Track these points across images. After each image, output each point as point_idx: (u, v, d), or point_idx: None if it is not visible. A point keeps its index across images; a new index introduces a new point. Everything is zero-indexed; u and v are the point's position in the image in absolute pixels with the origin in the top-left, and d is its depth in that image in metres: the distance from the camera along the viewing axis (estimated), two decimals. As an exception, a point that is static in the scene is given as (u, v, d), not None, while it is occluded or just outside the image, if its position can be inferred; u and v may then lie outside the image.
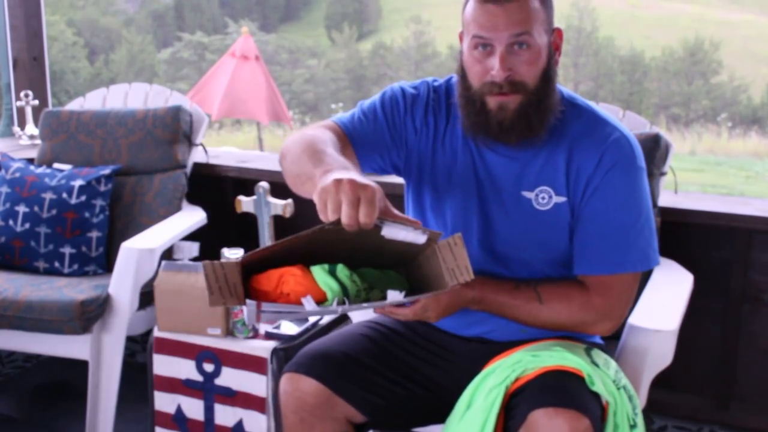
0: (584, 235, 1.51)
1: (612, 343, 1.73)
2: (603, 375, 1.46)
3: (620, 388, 1.47)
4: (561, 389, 1.38)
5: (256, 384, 2.00)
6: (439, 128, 1.60)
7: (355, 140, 1.58)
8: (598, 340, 1.68)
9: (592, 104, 1.60)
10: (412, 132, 1.61)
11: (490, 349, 1.56)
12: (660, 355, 1.67)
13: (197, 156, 2.86)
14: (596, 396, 1.42)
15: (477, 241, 1.58)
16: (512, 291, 1.51)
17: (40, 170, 2.67)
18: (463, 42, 1.52)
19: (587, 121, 1.54)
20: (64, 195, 2.57)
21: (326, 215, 1.23)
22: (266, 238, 2.28)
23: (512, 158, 1.54)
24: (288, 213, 2.27)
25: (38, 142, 3.03)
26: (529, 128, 1.48)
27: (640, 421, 1.50)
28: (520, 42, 1.44)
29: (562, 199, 1.52)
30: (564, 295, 1.51)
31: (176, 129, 2.76)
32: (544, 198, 1.53)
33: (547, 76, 1.49)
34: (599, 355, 1.51)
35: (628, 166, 1.50)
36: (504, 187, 1.55)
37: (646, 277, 2.04)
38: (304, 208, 2.33)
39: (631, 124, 2.30)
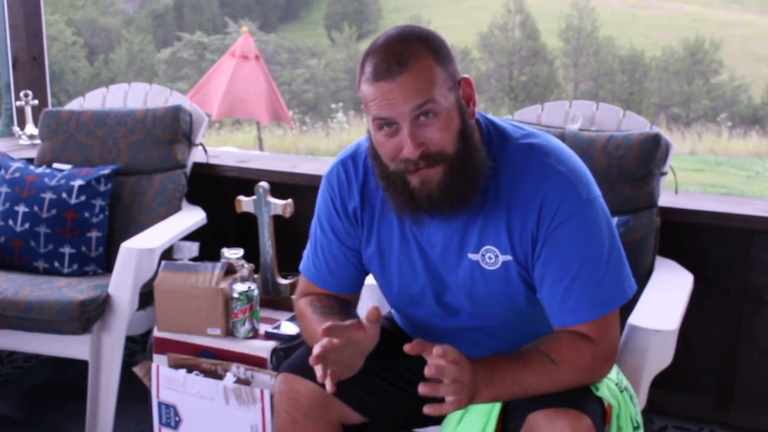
0: (552, 289, 1.41)
1: (612, 343, 1.73)
2: (606, 379, 1.46)
3: (623, 390, 1.47)
4: (561, 391, 1.38)
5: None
6: (374, 203, 1.53)
7: (338, 287, 1.62)
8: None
9: (521, 128, 1.48)
10: (354, 217, 1.56)
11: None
12: (660, 355, 1.67)
13: (197, 156, 2.86)
14: (597, 397, 1.42)
15: (434, 300, 1.54)
16: (520, 358, 1.38)
17: (39, 170, 2.67)
18: (368, 120, 1.41)
19: (519, 165, 1.43)
20: (64, 195, 2.56)
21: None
22: (266, 238, 2.28)
23: (452, 223, 1.46)
24: (288, 213, 2.27)
25: (38, 141, 3.03)
26: (459, 196, 1.38)
27: (641, 421, 1.50)
28: (425, 112, 1.33)
29: (508, 257, 1.45)
30: (572, 349, 1.39)
31: (176, 129, 2.76)
32: (491, 258, 1.46)
33: (465, 135, 1.38)
34: None
35: (573, 207, 1.39)
36: (447, 252, 1.49)
37: (646, 277, 2.04)
38: (304, 208, 2.34)
39: (632, 124, 2.30)
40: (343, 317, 1.50)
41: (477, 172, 1.39)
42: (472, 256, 1.47)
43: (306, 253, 1.65)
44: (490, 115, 1.51)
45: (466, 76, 1.42)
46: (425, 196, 1.38)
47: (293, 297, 1.68)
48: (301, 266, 1.65)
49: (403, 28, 1.38)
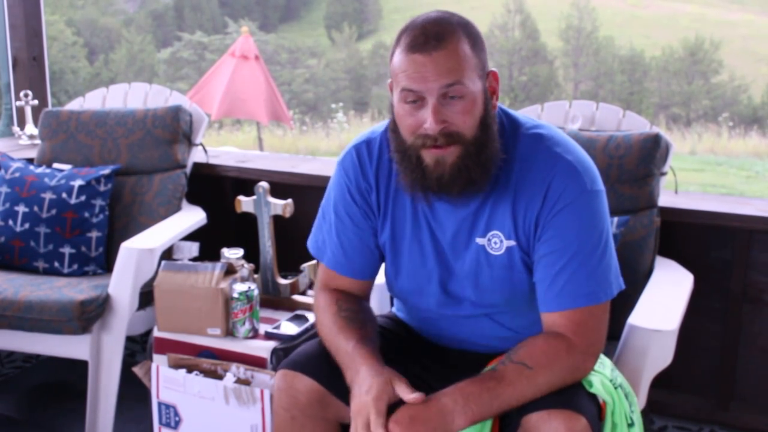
0: (544, 273, 1.44)
1: (611, 343, 1.73)
2: (600, 376, 1.46)
3: (617, 387, 1.47)
4: (554, 391, 1.38)
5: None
6: (388, 187, 1.55)
7: (354, 272, 1.61)
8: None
9: (535, 122, 1.51)
10: (368, 201, 1.58)
11: (485, 357, 1.55)
12: (660, 355, 1.67)
13: (197, 156, 2.86)
14: (591, 395, 1.42)
15: (439, 287, 1.56)
16: (494, 374, 1.38)
17: (39, 170, 2.67)
18: (393, 93, 1.44)
19: (529, 153, 1.46)
20: (64, 195, 2.56)
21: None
22: (266, 238, 2.28)
23: (462, 207, 1.49)
24: (288, 213, 2.27)
25: (38, 142, 3.03)
26: (470, 181, 1.41)
27: (637, 418, 1.50)
28: (452, 93, 1.36)
29: (512, 243, 1.48)
30: (546, 351, 1.40)
31: (176, 129, 2.76)
32: (497, 243, 1.49)
33: (485, 123, 1.41)
34: None
35: (576, 195, 1.42)
36: (457, 236, 1.51)
37: (646, 277, 2.04)
38: (304, 208, 2.33)
39: (631, 124, 2.30)
40: (360, 329, 1.52)
41: (490, 160, 1.43)
42: (479, 240, 1.50)
43: (314, 229, 1.66)
44: (502, 105, 1.54)
45: (494, 69, 1.46)
46: (437, 177, 1.41)
47: (312, 289, 1.66)
48: (309, 242, 1.67)
49: (444, 11, 1.43)
